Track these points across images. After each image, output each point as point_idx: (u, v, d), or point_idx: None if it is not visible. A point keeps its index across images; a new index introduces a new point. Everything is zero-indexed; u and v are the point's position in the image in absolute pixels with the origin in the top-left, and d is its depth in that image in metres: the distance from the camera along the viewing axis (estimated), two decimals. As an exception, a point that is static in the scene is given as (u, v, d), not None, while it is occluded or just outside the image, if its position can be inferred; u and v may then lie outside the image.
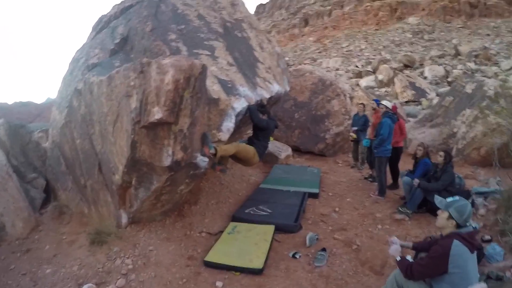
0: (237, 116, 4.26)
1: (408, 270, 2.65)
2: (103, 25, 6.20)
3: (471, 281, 2.46)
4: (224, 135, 4.06)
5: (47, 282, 3.58)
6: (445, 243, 2.52)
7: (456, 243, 2.47)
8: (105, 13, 6.49)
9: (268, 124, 4.87)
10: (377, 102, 7.47)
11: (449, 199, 2.72)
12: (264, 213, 5.14)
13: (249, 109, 4.60)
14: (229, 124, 4.09)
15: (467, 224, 2.64)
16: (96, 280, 3.54)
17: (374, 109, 7.65)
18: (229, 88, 4.36)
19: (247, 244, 4.21)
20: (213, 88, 4.09)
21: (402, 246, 3.08)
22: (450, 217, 2.63)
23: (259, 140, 4.87)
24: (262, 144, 4.90)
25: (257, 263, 3.81)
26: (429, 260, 2.56)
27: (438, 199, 2.80)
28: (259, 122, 4.76)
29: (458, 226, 2.62)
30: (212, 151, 3.98)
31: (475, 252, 2.58)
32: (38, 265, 3.91)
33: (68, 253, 4.10)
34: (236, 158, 4.73)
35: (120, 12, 6.03)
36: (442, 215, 2.70)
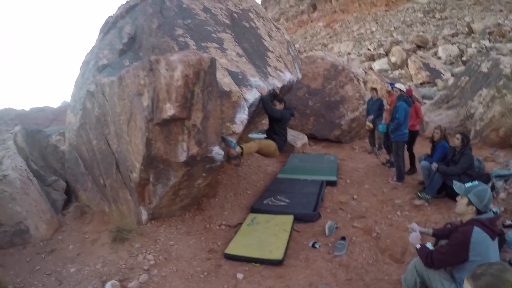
0: (250, 107, 4.23)
1: (428, 258, 2.60)
2: (110, 26, 6.23)
3: None
4: (238, 127, 4.04)
5: (72, 280, 3.64)
6: (466, 230, 2.45)
7: (476, 230, 2.40)
8: (112, 14, 6.52)
9: (282, 114, 4.85)
10: (392, 85, 7.33)
11: (468, 184, 2.63)
12: (283, 203, 5.13)
13: (261, 99, 4.58)
14: (242, 116, 4.07)
15: (488, 209, 2.56)
16: (119, 276, 3.59)
17: (388, 92, 7.50)
18: (240, 79, 4.33)
19: (266, 235, 4.22)
20: (224, 80, 4.07)
21: (422, 233, 3.02)
22: (470, 203, 2.54)
23: (277, 134, 4.93)
24: (281, 138, 4.98)
25: (277, 254, 3.81)
26: (450, 248, 2.51)
27: (457, 185, 2.71)
28: (273, 113, 4.74)
29: (478, 212, 2.54)
30: (238, 149, 4.11)
31: (496, 239, 2.50)
32: (62, 265, 3.98)
33: (91, 251, 4.18)
34: (258, 152, 4.78)
35: (125, 12, 6.04)
36: (462, 201, 2.62)
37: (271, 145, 4.75)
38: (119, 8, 6.43)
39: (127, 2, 6.32)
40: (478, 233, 2.39)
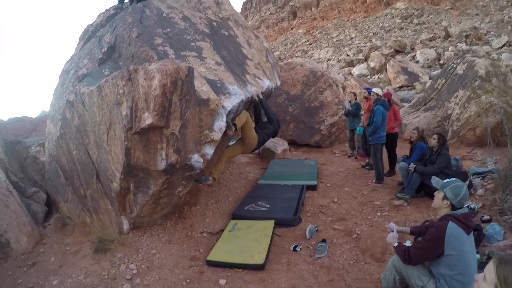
0: (228, 114, 4.29)
1: (405, 254, 2.68)
2: (90, 34, 6.22)
3: (469, 261, 2.49)
4: (217, 135, 4.08)
5: (55, 293, 3.61)
6: (440, 225, 2.54)
7: (451, 225, 2.48)
8: (91, 23, 6.51)
9: (274, 122, 5.40)
10: (368, 90, 7.50)
11: (446, 180, 2.74)
12: (264, 208, 5.18)
13: (261, 101, 5.10)
14: (220, 124, 4.11)
15: (462, 205, 2.65)
16: (102, 287, 3.58)
17: (365, 97, 7.66)
18: (218, 87, 4.38)
19: (248, 241, 4.26)
20: (202, 88, 4.11)
21: (399, 232, 3.11)
22: (445, 197, 2.65)
23: (262, 130, 5.26)
24: (262, 136, 5.25)
25: (259, 259, 3.86)
26: (425, 243, 2.59)
27: (435, 179, 2.83)
28: (272, 116, 5.34)
29: (453, 207, 2.63)
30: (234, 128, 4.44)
31: (472, 233, 2.59)
32: (45, 277, 3.93)
33: (74, 263, 4.14)
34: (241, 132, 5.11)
35: (105, 21, 6.04)
36: (438, 196, 2.73)
37: (254, 128, 5.10)
38: (99, 16, 6.44)
39: (106, 10, 6.33)
40: (452, 228, 2.47)
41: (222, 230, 4.68)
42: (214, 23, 5.70)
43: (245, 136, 5.09)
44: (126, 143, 3.52)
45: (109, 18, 6.08)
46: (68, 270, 4.00)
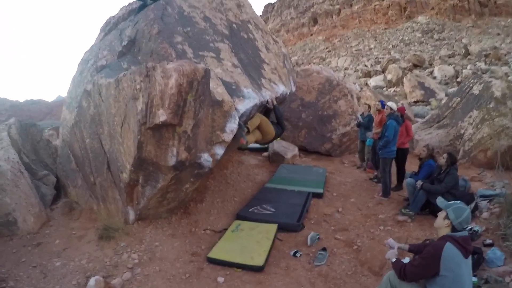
0: (240, 117, 4.35)
1: (401, 271, 2.69)
2: (111, 26, 6.34)
3: (464, 285, 2.47)
4: (228, 136, 4.15)
5: (57, 274, 3.71)
6: (438, 244, 2.55)
7: (448, 246, 2.48)
8: (113, 15, 6.62)
9: (283, 127, 5.71)
10: (382, 103, 7.47)
11: (451, 202, 2.75)
12: (268, 212, 5.21)
13: (275, 108, 5.32)
14: (232, 125, 4.18)
15: (463, 228, 2.65)
16: (103, 273, 3.67)
17: (378, 110, 7.63)
18: (233, 90, 4.45)
19: (249, 242, 4.30)
20: (217, 90, 4.19)
21: (398, 249, 3.13)
22: (447, 217, 2.65)
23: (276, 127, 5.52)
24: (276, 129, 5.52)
25: (258, 261, 3.90)
26: (421, 261, 2.59)
27: (440, 199, 2.84)
28: (282, 119, 5.57)
29: (454, 229, 2.63)
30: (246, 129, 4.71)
31: (470, 257, 2.59)
32: (48, 258, 4.04)
33: (77, 247, 4.25)
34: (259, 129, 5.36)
35: (127, 14, 6.15)
36: (440, 215, 2.73)
37: (270, 123, 5.36)
38: (121, 9, 6.55)
39: (129, 4, 6.44)
40: (449, 249, 2.47)
41: (225, 229, 4.74)
42: (234, 25, 5.77)
43: (263, 131, 5.31)
44: (139, 137, 3.61)
45: (131, 12, 6.19)
46: (71, 253, 4.11)
